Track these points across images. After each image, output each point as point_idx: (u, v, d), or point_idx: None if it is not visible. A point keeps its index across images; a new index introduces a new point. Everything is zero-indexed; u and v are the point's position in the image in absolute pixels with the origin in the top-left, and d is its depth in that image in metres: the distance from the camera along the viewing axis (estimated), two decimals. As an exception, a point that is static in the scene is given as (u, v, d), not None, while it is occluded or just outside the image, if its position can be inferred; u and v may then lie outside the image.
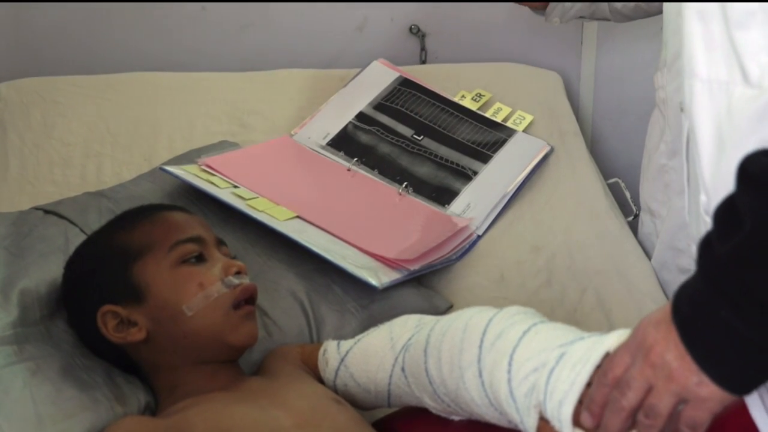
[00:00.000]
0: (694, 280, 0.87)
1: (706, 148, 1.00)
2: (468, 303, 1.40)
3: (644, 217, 1.60)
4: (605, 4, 1.68)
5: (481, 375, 1.06)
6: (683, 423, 0.89)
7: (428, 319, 1.20)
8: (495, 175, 1.68)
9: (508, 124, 1.79)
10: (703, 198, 1.05)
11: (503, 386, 1.03)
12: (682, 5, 1.03)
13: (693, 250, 1.43)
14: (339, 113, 1.78)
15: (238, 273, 1.23)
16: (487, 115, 1.80)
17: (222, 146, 1.68)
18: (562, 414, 0.97)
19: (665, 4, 1.43)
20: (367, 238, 1.50)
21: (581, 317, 1.45)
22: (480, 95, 1.85)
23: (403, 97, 1.81)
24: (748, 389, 0.86)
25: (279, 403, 1.15)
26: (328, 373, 1.25)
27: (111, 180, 1.66)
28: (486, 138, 1.75)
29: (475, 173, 1.69)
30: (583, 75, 2.07)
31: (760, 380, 0.86)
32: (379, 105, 1.80)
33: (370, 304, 1.42)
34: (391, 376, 1.19)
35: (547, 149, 1.73)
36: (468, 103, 1.83)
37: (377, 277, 1.40)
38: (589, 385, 0.97)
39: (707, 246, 0.86)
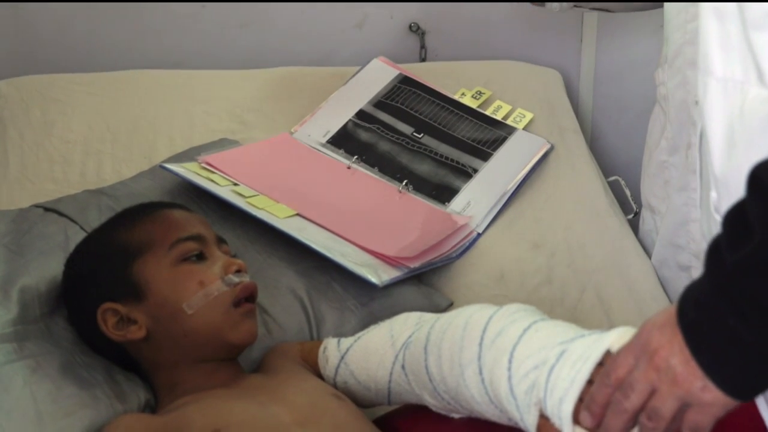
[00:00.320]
0: (701, 284, 0.86)
1: (717, 146, 1.00)
2: (468, 301, 1.40)
3: (645, 214, 1.60)
4: None
5: (481, 372, 1.06)
6: (686, 426, 0.89)
7: (428, 317, 1.21)
8: (495, 173, 1.68)
9: (508, 121, 1.79)
10: (713, 195, 1.05)
11: (503, 384, 1.03)
12: (702, 3, 1.02)
13: (693, 247, 1.43)
14: (339, 111, 1.78)
15: (238, 271, 1.23)
16: (488, 112, 1.80)
17: (222, 144, 1.68)
18: (563, 411, 0.97)
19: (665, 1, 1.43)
20: (367, 235, 1.50)
21: (581, 315, 1.45)
22: (480, 93, 1.85)
23: (404, 95, 1.81)
24: (752, 395, 0.86)
25: (278, 399, 1.15)
26: (328, 370, 1.25)
27: (111, 178, 1.66)
28: (486, 136, 1.75)
29: (475, 171, 1.69)
30: (583, 72, 2.07)
31: (765, 386, 0.86)
32: (380, 103, 1.80)
33: (370, 302, 1.42)
34: (391, 373, 1.19)
35: (547, 147, 1.73)
36: (468, 100, 1.83)
37: (377, 274, 1.40)
38: (590, 382, 0.97)
39: (716, 251, 0.85)
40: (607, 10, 1.71)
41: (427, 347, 1.13)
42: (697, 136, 1.32)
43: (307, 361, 1.28)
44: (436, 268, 1.53)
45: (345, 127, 1.75)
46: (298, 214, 1.52)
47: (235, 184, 1.54)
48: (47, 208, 1.46)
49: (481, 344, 1.07)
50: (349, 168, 1.68)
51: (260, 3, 1.99)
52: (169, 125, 1.77)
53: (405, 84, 1.84)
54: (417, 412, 1.19)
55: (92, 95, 1.82)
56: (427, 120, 1.77)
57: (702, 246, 1.41)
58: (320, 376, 1.26)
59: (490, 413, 1.08)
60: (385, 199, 1.63)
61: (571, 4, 1.68)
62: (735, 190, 0.85)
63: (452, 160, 1.70)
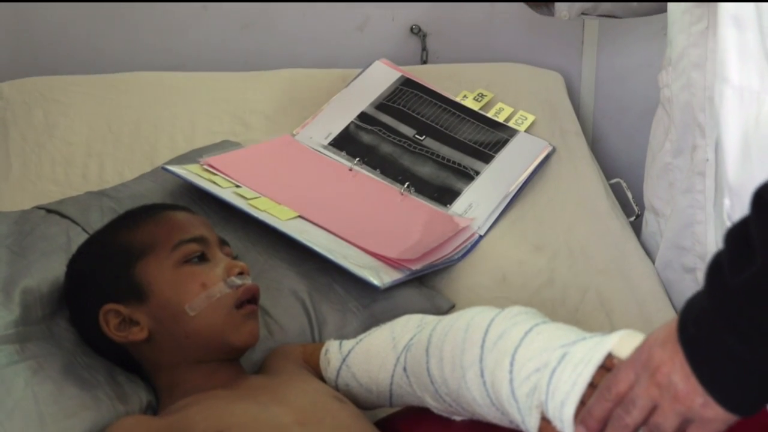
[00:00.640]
0: (701, 300, 0.86)
1: (731, 154, 1.00)
2: (470, 303, 1.40)
3: (648, 216, 1.60)
4: None
5: (482, 375, 1.06)
6: None
7: (430, 319, 1.21)
8: (497, 175, 1.68)
9: (510, 124, 1.79)
10: (726, 202, 1.05)
11: (505, 386, 1.03)
12: (719, 9, 1.01)
13: (698, 249, 1.43)
14: (341, 113, 1.78)
15: (240, 273, 1.23)
16: (489, 115, 1.80)
17: (224, 146, 1.68)
18: (564, 414, 0.97)
19: (670, 3, 1.43)
20: (369, 237, 1.50)
21: (583, 317, 1.45)
22: (482, 95, 1.85)
23: (405, 97, 1.81)
24: (753, 411, 0.86)
25: (280, 400, 1.15)
26: (329, 372, 1.25)
27: (113, 179, 1.66)
28: (488, 138, 1.75)
29: (477, 173, 1.69)
30: (584, 75, 2.07)
31: (765, 401, 0.86)
32: (381, 105, 1.80)
33: (371, 304, 1.42)
34: (392, 375, 1.19)
35: (548, 149, 1.74)
36: (470, 103, 1.83)
37: (379, 276, 1.40)
38: (591, 385, 0.97)
39: (717, 269, 0.85)
40: (614, 16, 1.71)
41: (429, 349, 1.13)
42: (713, 141, 1.32)
43: (309, 363, 1.28)
44: (437, 270, 1.53)
45: (347, 129, 1.75)
46: (299, 216, 1.52)
47: (237, 186, 1.54)
48: (49, 210, 1.46)
49: (482, 347, 1.07)
50: (350, 170, 1.68)
51: (262, 4, 1.99)
52: (170, 127, 1.78)
53: (407, 86, 1.84)
54: (418, 414, 1.19)
55: (94, 97, 1.82)
56: (429, 122, 1.77)
57: (708, 248, 1.41)
58: (322, 378, 1.26)
59: (492, 415, 1.08)
60: (387, 201, 1.63)
61: (579, 12, 1.67)
62: (748, 199, 0.85)
63: (454, 163, 1.70)
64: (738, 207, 0.98)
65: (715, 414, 0.86)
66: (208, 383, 1.19)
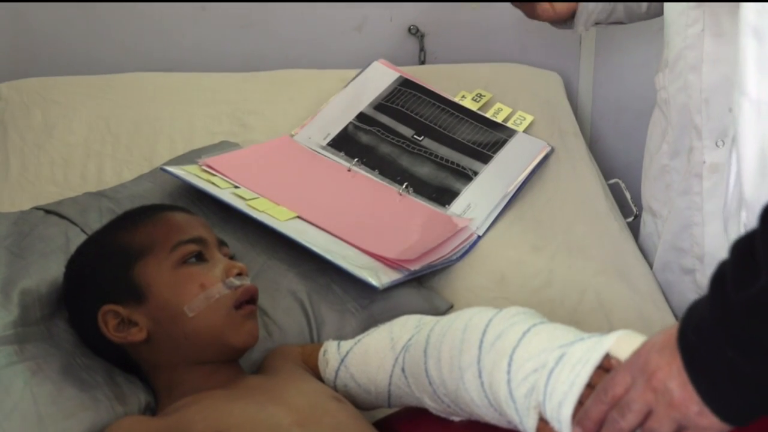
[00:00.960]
0: (703, 309, 0.86)
1: (749, 168, 0.99)
2: (468, 303, 1.41)
3: (646, 218, 1.60)
4: (621, 5, 1.64)
5: (480, 375, 1.06)
6: None
7: (428, 320, 1.21)
8: (495, 176, 1.68)
9: (509, 124, 1.79)
10: (743, 213, 1.04)
11: (503, 387, 1.03)
12: (739, 20, 1.01)
13: (696, 250, 1.43)
14: (339, 113, 1.78)
15: (239, 274, 1.23)
16: (488, 115, 1.80)
17: (222, 146, 1.68)
18: (562, 415, 0.97)
19: (666, 4, 1.43)
20: (368, 238, 1.50)
21: (581, 317, 1.45)
22: (480, 95, 1.85)
23: (404, 98, 1.81)
24: (748, 421, 0.87)
25: (278, 400, 1.15)
26: (328, 373, 1.26)
27: (112, 180, 1.66)
28: (486, 138, 1.75)
29: (476, 173, 1.69)
30: (582, 75, 2.07)
31: (761, 413, 0.86)
32: (380, 105, 1.80)
33: (370, 305, 1.42)
34: (391, 376, 1.19)
35: (547, 150, 1.74)
36: (468, 103, 1.83)
37: (377, 277, 1.41)
38: (589, 386, 0.97)
39: (721, 281, 0.85)
40: (621, 23, 1.71)
41: (427, 350, 1.13)
42: (711, 143, 1.32)
43: (308, 363, 1.28)
44: (436, 271, 1.53)
45: (345, 129, 1.76)
46: (298, 217, 1.52)
47: (236, 187, 1.54)
48: (48, 211, 1.46)
49: (480, 347, 1.07)
50: (349, 170, 1.68)
51: (260, 5, 1.99)
52: (169, 128, 1.78)
53: (405, 87, 1.84)
54: (417, 414, 1.19)
55: (93, 97, 1.82)
56: (427, 122, 1.77)
57: (705, 250, 1.42)
58: (320, 378, 1.26)
59: (490, 416, 1.08)
60: (386, 201, 1.63)
61: (594, 24, 1.66)
62: None
63: (453, 163, 1.71)
64: (753, 220, 0.98)
65: (710, 423, 0.86)
66: (207, 384, 1.19)
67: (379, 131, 1.75)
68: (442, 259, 1.52)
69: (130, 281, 1.21)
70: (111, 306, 1.21)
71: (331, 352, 1.26)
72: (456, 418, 1.15)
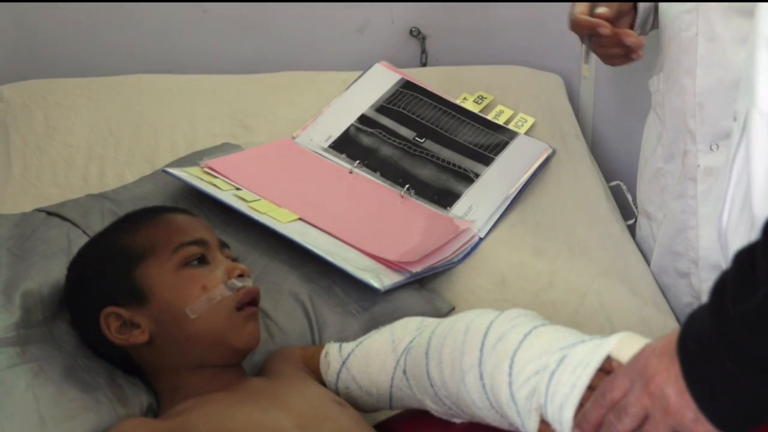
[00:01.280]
0: (703, 318, 0.86)
1: (758, 183, 0.99)
2: (470, 305, 1.41)
3: (641, 221, 1.60)
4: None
5: (482, 378, 1.06)
6: None
7: (430, 322, 1.21)
8: (497, 178, 1.68)
9: (510, 126, 1.79)
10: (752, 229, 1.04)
11: (504, 389, 1.03)
12: (755, 29, 1.00)
13: (691, 254, 1.43)
14: (341, 116, 1.78)
15: (241, 276, 1.23)
16: (489, 117, 1.80)
17: (224, 148, 1.69)
18: (563, 417, 0.97)
19: (661, 6, 1.43)
20: (369, 240, 1.51)
21: (583, 320, 1.45)
22: (482, 97, 1.85)
23: (405, 100, 1.82)
24: (743, 430, 0.87)
25: (280, 404, 1.15)
26: (329, 375, 1.26)
27: (113, 182, 1.66)
28: (488, 140, 1.75)
29: (477, 176, 1.69)
30: (583, 77, 2.07)
31: (757, 423, 0.87)
32: (381, 107, 1.80)
33: (371, 307, 1.42)
34: (392, 378, 1.19)
35: (548, 152, 1.74)
36: (470, 105, 1.83)
37: (379, 279, 1.41)
38: (590, 388, 0.97)
39: (722, 291, 0.85)
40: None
41: (429, 352, 1.13)
42: (705, 147, 1.32)
43: (309, 366, 1.28)
44: (437, 273, 1.53)
45: (347, 131, 1.76)
46: (300, 219, 1.52)
47: (238, 189, 1.54)
48: (50, 212, 1.46)
49: (481, 349, 1.07)
50: (351, 173, 1.68)
51: (261, 7, 1.99)
52: (171, 129, 1.78)
53: (407, 89, 1.84)
54: (418, 416, 1.19)
55: (95, 99, 1.82)
56: (429, 125, 1.77)
57: (700, 253, 1.42)
58: (322, 381, 1.26)
59: (491, 418, 1.08)
60: (387, 203, 1.63)
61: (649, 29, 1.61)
62: None
63: (454, 165, 1.71)
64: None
65: (705, 430, 0.86)
66: (210, 386, 1.19)
67: (380, 133, 1.75)
68: (444, 261, 1.52)
69: (132, 283, 1.21)
70: (113, 308, 1.21)
71: (333, 354, 1.27)
72: (457, 420, 1.15)
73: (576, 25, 1.44)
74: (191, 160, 1.62)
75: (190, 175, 1.53)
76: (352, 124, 1.77)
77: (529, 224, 1.63)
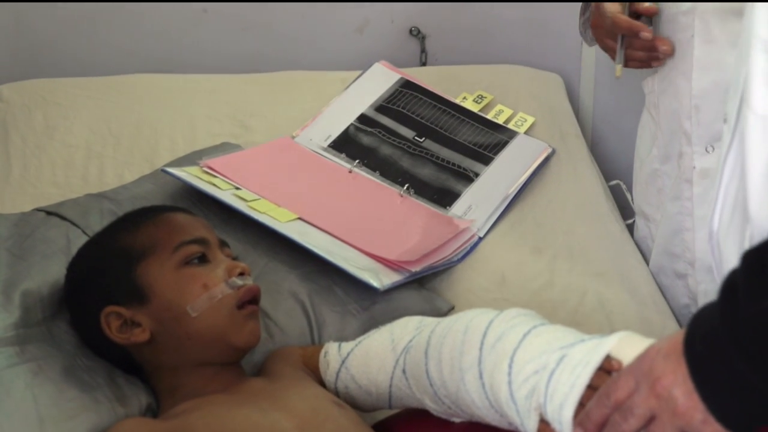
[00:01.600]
0: (712, 318, 0.86)
1: (754, 183, 0.98)
2: (469, 305, 1.41)
3: (639, 221, 1.60)
4: None
5: (481, 377, 1.06)
6: None
7: (429, 321, 1.21)
8: (496, 177, 1.69)
9: (510, 125, 1.79)
10: (748, 230, 1.04)
11: (504, 388, 1.03)
12: (750, 33, 1.00)
13: (688, 255, 1.43)
14: (340, 115, 1.78)
15: (241, 274, 1.23)
16: (489, 116, 1.80)
17: (224, 148, 1.69)
18: (563, 416, 0.97)
19: (658, 6, 1.43)
20: (369, 239, 1.50)
21: (582, 319, 1.45)
22: (481, 97, 1.85)
23: (405, 99, 1.82)
24: (752, 430, 0.87)
25: (280, 405, 1.15)
26: (329, 375, 1.26)
27: (113, 181, 1.66)
28: (487, 140, 1.75)
29: (477, 175, 1.69)
30: (584, 76, 2.07)
31: (765, 422, 0.86)
32: (381, 107, 1.80)
33: (371, 306, 1.42)
34: (392, 377, 1.19)
35: (548, 151, 1.74)
36: (470, 104, 1.83)
37: (378, 278, 1.41)
38: (590, 387, 0.97)
39: (732, 291, 0.84)
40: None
41: (428, 351, 1.13)
42: (700, 149, 1.32)
43: (308, 365, 1.28)
44: (437, 272, 1.53)
45: (346, 131, 1.76)
46: (299, 218, 1.52)
47: (237, 188, 1.54)
48: (49, 212, 1.46)
49: (481, 349, 1.07)
50: (350, 172, 1.68)
51: (261, 7, 1.99)
52: (170, 129, 1.78)
53: (406, 88, 1.84)
54: (418, 416, 1.19)
55: (94, 99, 1.82)
56: (428, 124, 1.77)
57: (696, 255, 1.41)
58: (321, 380, 1.26)
59: (491, 418, 1.08)
60: (387, 203, 1.63)
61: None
62: None
63: (453, 164, 1.71)
64: (758, 238, 0.97)
65: (714, 431, 0.86)
66: (209, 386, 1.19)
67: (380, 133, 1.75)
68: (443, 261, 1.52)
69: (132, 282, 1.21)
70: (113, 307, 1.21)
71: (332, 353, 1.26)
72: (457, 420, 1.15)
73: (615, 26, 1.41)
74: (191, 159, 1.62)
75: (190, 175, 1.53)
76: (351, 124, 1.77)
77: (528, 223, 1.63)
